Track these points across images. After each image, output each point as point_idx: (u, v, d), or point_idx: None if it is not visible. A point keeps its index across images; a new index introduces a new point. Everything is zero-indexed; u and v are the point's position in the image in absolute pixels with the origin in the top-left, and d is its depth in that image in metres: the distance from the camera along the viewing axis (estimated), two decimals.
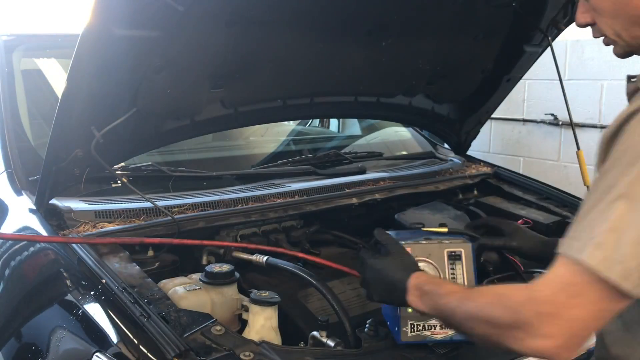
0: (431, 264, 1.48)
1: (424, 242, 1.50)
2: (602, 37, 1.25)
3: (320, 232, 2.22)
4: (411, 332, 1.45)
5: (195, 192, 2.14)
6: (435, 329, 1.46)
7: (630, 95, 1.26)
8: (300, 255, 1.86)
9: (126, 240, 1.73)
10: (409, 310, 1.42)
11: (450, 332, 1.46)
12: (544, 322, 1.02)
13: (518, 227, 1.73)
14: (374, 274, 1.42)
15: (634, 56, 1.27)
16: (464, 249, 1.50)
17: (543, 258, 1.59)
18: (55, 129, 1.64)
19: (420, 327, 1.45)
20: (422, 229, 1.63)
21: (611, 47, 1.27)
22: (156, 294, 1.50)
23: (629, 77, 1.30)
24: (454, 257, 1.49)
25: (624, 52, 1.24)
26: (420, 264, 1.46)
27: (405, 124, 3.15)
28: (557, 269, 1.04)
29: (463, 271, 1.50)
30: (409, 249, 1.46)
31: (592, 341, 1.55)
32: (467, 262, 1.49)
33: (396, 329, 1.46)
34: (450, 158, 2.94)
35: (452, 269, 1.50)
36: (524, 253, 1.63)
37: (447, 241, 1.51)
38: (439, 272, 1.49)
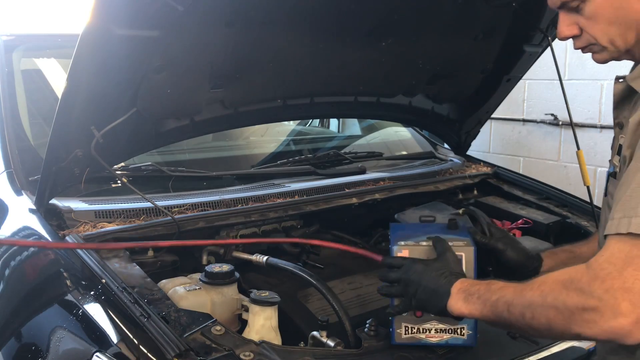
0: None
1: (424, 244, 1.46)
2: (584, 47, 1.28)
3: (320, 232, 2.22)
4: (405, 334, 1.43)
5: (195, 192, 2.14)
6: (430, 332, 1.43)
7: (619, 94, 1.26)
8: (317, 242, 1.82)
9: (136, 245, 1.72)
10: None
11: (446, 337, 1.43)
12: (616, 298, 1.01)
13: (507, 234, 1.71)
14: (414, 277, 1.36)
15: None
16: (465, 253, 1.44)
17: (522, 270, 1.57)
18: (55, 129, 1.64)
19: (415, 330, 1.43)
20: (435, 222, 1.59)
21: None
22: (156, 294, 1.50)
23: (617, 78, 1.31)
24: None
25: (609, 59, 1.27)
26: None
27: (405, 124, 3.15)
28: (614, 246, 1.05)
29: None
30: (406, 251, 1.43)
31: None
32: (468, 266, 1.43)
33: (390, 329, 1.45)
34: (450, 158, 2.95)
35: None
36: (506, 259, 1.59)
37: (449, 244, 1.44)
38: None
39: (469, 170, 2.83)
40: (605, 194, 1.30)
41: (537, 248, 2.14)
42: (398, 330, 1.43)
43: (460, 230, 1.54)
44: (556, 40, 2.46)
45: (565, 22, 1.27)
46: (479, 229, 1.61)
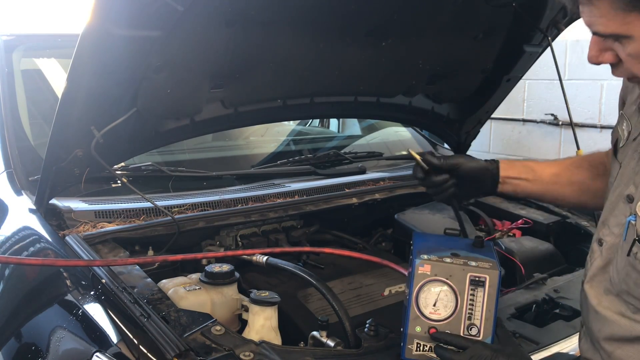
0: (450, 286, 1.36)
1: (448, 260, 1.38)
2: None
3: (320, 232, 2.22)
4: (416, 350, 1.38)
5: (195, 192, 2.14)
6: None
7: None
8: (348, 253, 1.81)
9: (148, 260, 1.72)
10: (417, 329, 1.37)
11: None
12: None
13: (456, 155, 1.68)
14: None
15: None
16: (489, 276, 1.36)
17: (483, 176, 1.57)
18: (55, 129, 1.64)
19: (427, 349, 1.37)
20: (459, 236, 1.55)
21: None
22: (156, 294, 1.50)
23: None
24: (477, 283, 1.35)
25: None
26: (436, 286, 1.37)
27: (405, 124, 3.15)
28: None
29: (484, 299, 1.36)
30: (428, 266, 1.37)
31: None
32: (491, 290, 1.36)
33: (402, 344, 1.41)
34: None
35: (472, 295, 1.36)
36: (468, 170, 1.55)
37: (473, 263, 1.37)
38: (456, 295, 1.36)
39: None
40: (629, 253, 1.16)
41: (537, 248, 2.15)
42: (409, 346, 1.39)
43: (486, 249, 1.47)
44: (556, 40, 2.48)
45: (598, 47, 1.09)
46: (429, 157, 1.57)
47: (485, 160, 1.60)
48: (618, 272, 1.19)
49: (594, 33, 1.08)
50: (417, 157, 1.55)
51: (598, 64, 1.12)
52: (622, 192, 1.23)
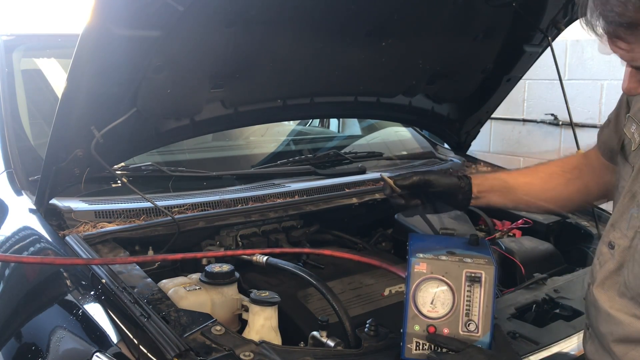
0: (446, 283, 1.36)
1: (444, 258, 1.38)
2: None
3: (320, 232, 2.22)
4: (416, 349, 1.38)
5: (195, 192, 2.14)
6: (441, 350, 1.38)
7: None
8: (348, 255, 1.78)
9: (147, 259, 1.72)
10: (416, 328, 1.37)
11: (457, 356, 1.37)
12: None
13: (427, 170, 1.70)
14: None
15: None
16: (485, 272, 1.36)
17: (456, 192, 1.58)
18: (55, 129, 1.64)
19: (426, 347, 1.37)
20: (454, 235, 1.55)
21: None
22: (156, 294, 1.50)
23: None
24: (473, 279, 1.36)
25: None
26: (433, 284, 1.36)
27: (405, 124, 3.16)
28: None
29: (481, 295, 1.35)
30: (424, 264, 1.37)
31: None
32: (487, 286, 1.36)
33: (401, 344, 1.41)
34: (450, 158, 2.94)
35: (469, 291, 1.36)
36: (443, 185, 1.58)
37: (469, 260, 1.37)
38: (453, 292, 1.36)
39: (469, 170, 2.82)
40: None
41: (537, 248, 2.15)
42: (409, 345, 1.39)
43: (481, 246, 1.48)
44: (556, 40, 2.48)
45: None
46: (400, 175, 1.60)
47: (458, 177, 1.61)
48: (635, 276, 1.18)
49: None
50: (390, 181, 1.57)
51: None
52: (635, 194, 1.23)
